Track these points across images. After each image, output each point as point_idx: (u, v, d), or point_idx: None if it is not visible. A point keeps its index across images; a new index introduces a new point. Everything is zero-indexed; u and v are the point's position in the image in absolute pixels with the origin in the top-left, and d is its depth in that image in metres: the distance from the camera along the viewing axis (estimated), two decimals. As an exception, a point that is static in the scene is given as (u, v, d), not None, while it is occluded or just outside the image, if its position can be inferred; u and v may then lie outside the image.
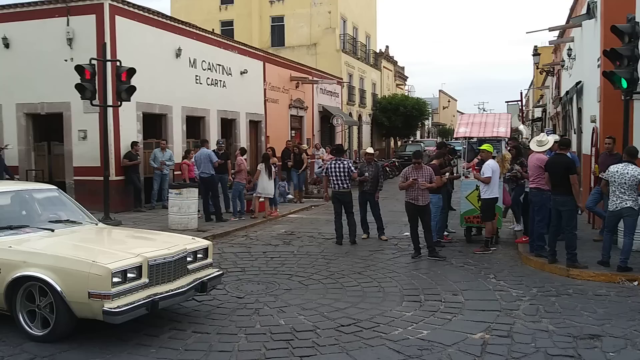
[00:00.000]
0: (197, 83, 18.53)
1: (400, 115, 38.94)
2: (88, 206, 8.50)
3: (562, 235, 8.73)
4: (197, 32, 18.86)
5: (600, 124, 11.82)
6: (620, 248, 8.49)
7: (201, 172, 13.31)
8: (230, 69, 20.53)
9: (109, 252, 5.90)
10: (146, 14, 16.15)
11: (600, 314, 6.62)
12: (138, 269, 5.65)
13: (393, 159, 32.09)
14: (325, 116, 29.76)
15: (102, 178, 12.94)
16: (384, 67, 44.29)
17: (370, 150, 12.22)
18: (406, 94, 50.03)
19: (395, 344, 5.67)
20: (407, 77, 54.52)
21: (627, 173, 8.14)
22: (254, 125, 22.88)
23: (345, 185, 11.06)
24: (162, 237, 7.02)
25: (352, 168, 11.24)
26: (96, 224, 7.31)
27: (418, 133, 53.21)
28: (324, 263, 9.41)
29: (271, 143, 21.05)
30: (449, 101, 73.25)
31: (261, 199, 14.03)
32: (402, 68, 52.67)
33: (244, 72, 21.36)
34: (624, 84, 9.26)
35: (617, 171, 8.24)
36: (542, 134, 12.50)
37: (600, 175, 9.52)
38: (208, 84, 19.18)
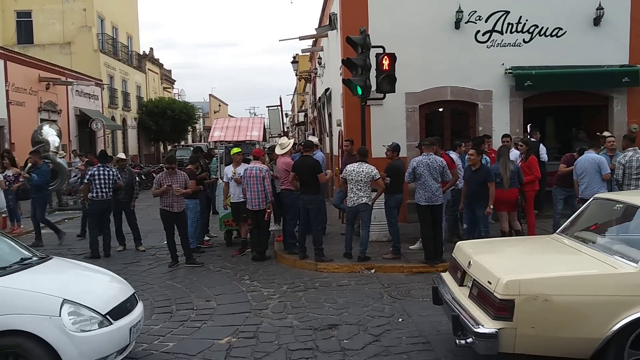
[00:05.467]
0: None
1: (168, 119, 38.21)
2: None
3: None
4: None
5: (344, 127, 12.85)
6: (362, 240, 9.28)
7: None
8: (-41, 67, 17.84)
9: None
10: None
11: (340, 304, 7.12)
12: None
13: (161, 164, 31.12)
14: (84, 120, 27.66)
15: None
16: (149, 69, 42.80)
17: (122, 155, 11.59)
18: (175, 97, 49.07)
19: (137, 361, 5.38)
20: (175, 81, 53.53)
21: (362, 171, 8.92)
22: (-5, 132, 20.26)
23: (111, 194, 10.38)
24: None
25: (119, 175, 10.59)
26: None
27: (190, 137, 52.58)
28: (70, 281, 8.59)
29: (18, 151, 18.78)
30: (219, 105, 73.60)
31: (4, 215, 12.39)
32: (169, 71, 51.53)
33: (-22, 71, 18.76)
34: (359, 90, 10.14)
35: (353, 170, 8.98)
36: (283, 137, 13.13)
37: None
38: None
